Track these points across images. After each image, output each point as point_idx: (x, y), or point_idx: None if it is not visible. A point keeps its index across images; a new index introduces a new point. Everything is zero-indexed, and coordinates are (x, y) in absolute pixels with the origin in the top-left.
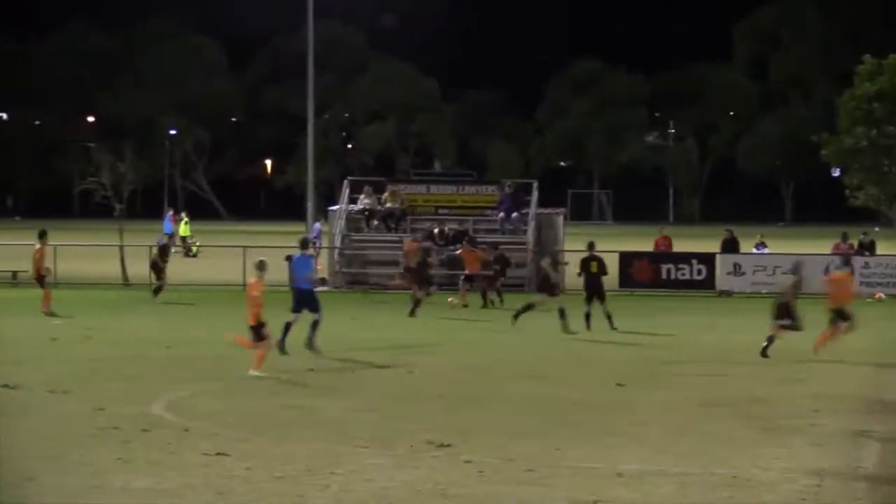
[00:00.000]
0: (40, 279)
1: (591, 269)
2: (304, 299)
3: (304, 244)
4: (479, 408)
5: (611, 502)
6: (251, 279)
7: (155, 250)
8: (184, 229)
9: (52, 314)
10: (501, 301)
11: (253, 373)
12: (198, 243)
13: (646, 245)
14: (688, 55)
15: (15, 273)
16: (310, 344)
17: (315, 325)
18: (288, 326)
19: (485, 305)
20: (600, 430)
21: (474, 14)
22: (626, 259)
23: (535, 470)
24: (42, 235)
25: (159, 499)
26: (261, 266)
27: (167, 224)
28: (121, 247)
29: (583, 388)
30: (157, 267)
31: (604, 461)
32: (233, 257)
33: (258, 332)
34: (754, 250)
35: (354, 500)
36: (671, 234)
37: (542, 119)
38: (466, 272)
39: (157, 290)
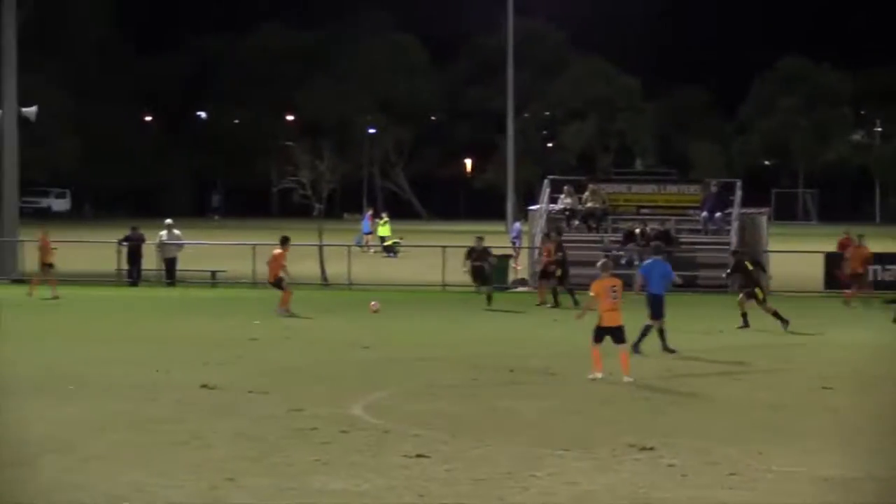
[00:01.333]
0: (277, 282)
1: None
2: (653, 304)
3: (658, 250)
4: (680, 410)
5: None
6: (607, 280)
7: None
8: (383, 229)
9: (289, 314)
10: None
11: (626, 379)
12: (401, 241)
13: None
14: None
15: (214, 273)
16: (665, 347)
17: (659, 332)
18: (646, 329)
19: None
20: (803, 434)
21: (676, 11)
22: (832, 260)
23: (738, 474)
24: (284, 242)
25: (358, 501)
26: (605, 267)
27: (366, 223)
28: (320, 246)
29: (785, 391)
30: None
31: (808, 465)
32: (433, 257)
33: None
34: None
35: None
36: (873, 234)
37: (746, 117)
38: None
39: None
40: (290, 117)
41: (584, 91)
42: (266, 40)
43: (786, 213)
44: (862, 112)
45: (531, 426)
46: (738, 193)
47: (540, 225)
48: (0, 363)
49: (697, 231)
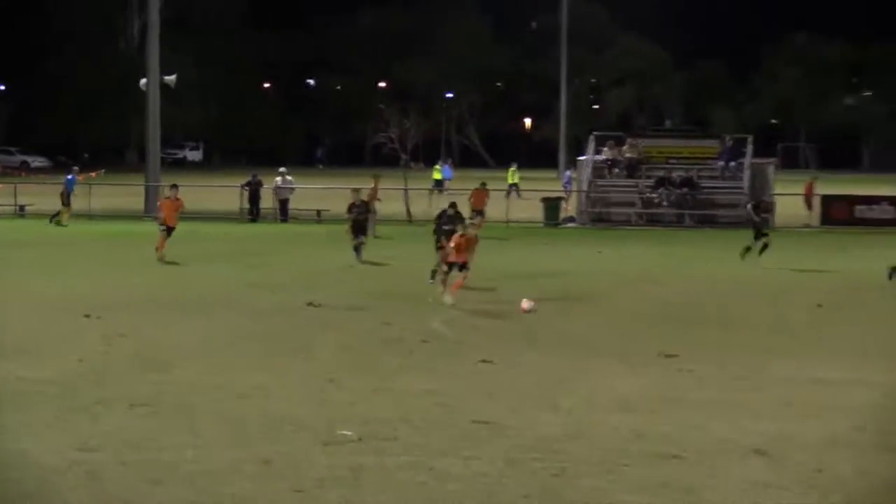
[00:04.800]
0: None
1: None
2: None
3: None
4: (702, 327)
5: (805, 404)
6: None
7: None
8: (436, 174)
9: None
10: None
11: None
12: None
13: (840, 189)
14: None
15: (319, 211)
16: None
17: None
18: None
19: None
20: (805, 346)
21: None
22: (827, 201)
23: (745, 378)
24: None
25: (438, 398)
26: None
27: (446, 170)
28: (405, 190)
29: (788, 309)
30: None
31: (807, 372)
32: (493, 200)
33: None
34: None
35: (599, 402)
36: (863, 180)
37: (758, 85)
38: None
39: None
40: (383, 84)
41: (625, 62)
42: (377, 22)
43: (789, 164)
44: (854, 80)
45: (580, 339)
46: (750, 147)
47: (586, 173)
48: (151, 287)
49: (716, 177)
